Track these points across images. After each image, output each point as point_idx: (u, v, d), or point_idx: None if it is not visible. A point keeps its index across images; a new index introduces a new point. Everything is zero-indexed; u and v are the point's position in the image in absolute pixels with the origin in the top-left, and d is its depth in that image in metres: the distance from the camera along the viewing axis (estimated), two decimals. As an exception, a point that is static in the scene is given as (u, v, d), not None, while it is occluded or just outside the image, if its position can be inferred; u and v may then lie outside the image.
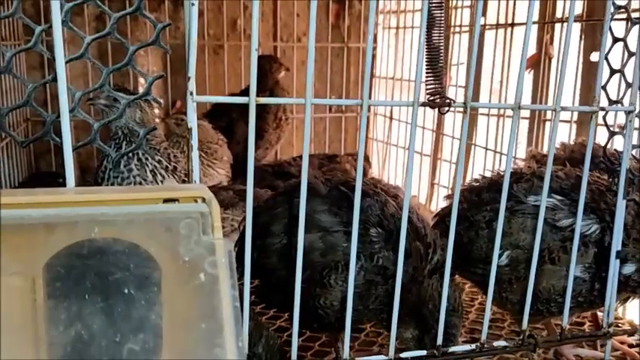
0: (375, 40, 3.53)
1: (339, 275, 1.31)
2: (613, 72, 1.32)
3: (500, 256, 1.43)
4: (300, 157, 2.79)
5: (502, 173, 1.69)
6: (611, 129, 1.37)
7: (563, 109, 1.24)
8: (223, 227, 1.94)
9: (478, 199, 1.60)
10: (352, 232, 1.16)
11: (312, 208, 1.33)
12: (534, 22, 2.37)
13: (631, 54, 1.31)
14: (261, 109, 2.91)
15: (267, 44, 3.31)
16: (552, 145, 1.27)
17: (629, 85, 1.31)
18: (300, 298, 1.16)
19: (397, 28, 3.36)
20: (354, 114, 3.55)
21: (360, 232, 1.20)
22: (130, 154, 1.79)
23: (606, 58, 1.30)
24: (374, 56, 3.55)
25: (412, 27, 3.17)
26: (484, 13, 2.53)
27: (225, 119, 2.84)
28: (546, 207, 1.37)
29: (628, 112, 1.31)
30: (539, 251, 1.34)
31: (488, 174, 1.78)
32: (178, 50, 2.98)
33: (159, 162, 1.83)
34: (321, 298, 1.34)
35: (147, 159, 1.81)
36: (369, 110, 3.60)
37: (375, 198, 1.39)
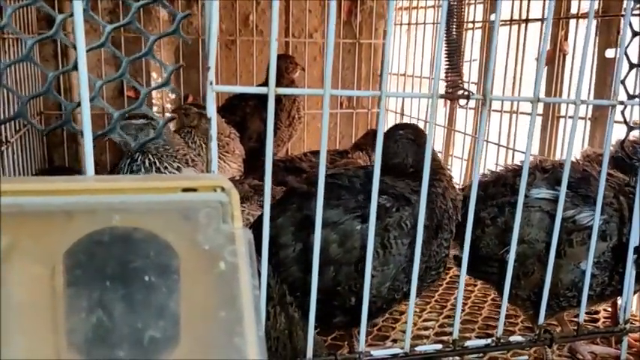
0: (385, 37, 3.52)
1: (374, 260, 1.29)
2: (632, 66, 1.31)
3: (507, 252, 1.42)
4: (312, 152, 2.81)
5: (509, 167, 1.69)
6: (630, 124, 1.36)
7: (583, 102, 1.23)
8: (239, 220, 1.94)
9: (484, 193, 1.59)
10: (370, 217, 1.16)
11: (313, 209, 1.32)
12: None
13: (650, 48, 1.30)
14: (276, 106, 2.90)
15: (280, 40, 3.31)
16: (572, 139, 1.26)
17: (647, 80, 1.30)
18: (340, 302, 1.19)
19: (409, 24, 3.35)
20: (365, 110, 3.54)
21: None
22: (148, 165, 1.81)
23: (625, 53, 1.29)
24: (384, 52, 3.54)
25: (424, 23, 3.16)
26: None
27: (240, 114, 2.83)
28: (549, 199, 1.36)
29: (647, 107, 1.30)
30: (545, 245, 1.33)
31: (495, 169, 1.76)
32: (191, 45, 3.01)
33: (177, 169, 1.85)
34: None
35: (165, 168, 1.82)
36: (379, 107, 3.61)
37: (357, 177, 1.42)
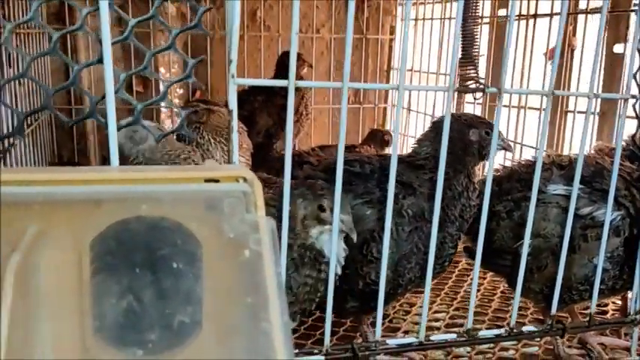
0: (392, 32, 3.54)
1: (378, 243, 1.32)
2: (644, 61, 1.33)
3: (522, 245, 1.44)
4: (319, 147, 2.81)
5: (523, 162, 1.70)
6: (641, 118, 1.37)
7: (596, 95, 1.25)
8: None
9: (499, 189, 1.60)
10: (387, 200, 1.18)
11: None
12: (557, 14, 2.37)
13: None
14: (284, 101, 2.91)
15: (287, 35, 3.32)
16: (585, 132, 1.28)
17: (659, 74, 1.31)
18: (349, 285, 1.21)
19: (416, 19, 3.36)
20: (372, 105, 3.56)
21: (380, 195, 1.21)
22: None
23: (638, 48, 1.30)
24: (390, 48, 3.55)
25: (432, 19, 3.17)
26: (506, 5, 2.53)
27: (248, 108, 2.84)
28: (567, 196, 1.37)
29: (658, 101, 1.32)
30: (560, 240, 1.34)
31: (508, 164, 1.77)
32: (198, 40, 3.03)
33: None
34: (371, 274, 1.36)
35: None
36: (385, 102, 3.62)
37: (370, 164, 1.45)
